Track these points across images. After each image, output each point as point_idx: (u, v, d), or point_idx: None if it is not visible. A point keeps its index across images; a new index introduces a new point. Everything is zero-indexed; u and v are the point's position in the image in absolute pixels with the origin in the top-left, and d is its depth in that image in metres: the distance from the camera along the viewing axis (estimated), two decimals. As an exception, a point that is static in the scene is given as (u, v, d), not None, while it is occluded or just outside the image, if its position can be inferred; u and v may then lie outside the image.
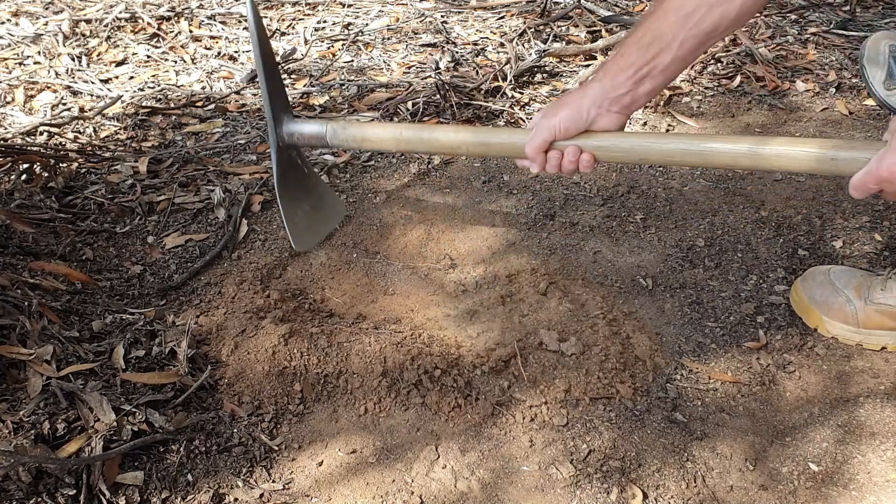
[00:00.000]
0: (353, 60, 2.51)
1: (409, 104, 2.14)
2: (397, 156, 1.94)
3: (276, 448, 1.17)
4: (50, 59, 2.45)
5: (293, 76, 2.40)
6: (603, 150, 1.18)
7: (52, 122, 2.05)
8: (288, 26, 2.78)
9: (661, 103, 2.16)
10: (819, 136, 2.03)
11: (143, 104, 2.19)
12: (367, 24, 2.77)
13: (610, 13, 2.72)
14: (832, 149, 1.06)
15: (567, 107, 1.16)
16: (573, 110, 1.16)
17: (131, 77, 2.39)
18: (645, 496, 1.09)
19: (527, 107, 2.18)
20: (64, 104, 2.19)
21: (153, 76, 2.40)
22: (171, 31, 2.69)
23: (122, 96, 2.22)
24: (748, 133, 2.06)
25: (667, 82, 1.16)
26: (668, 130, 2.07)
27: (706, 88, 2.28)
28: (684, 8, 1.08)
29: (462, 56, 2.47)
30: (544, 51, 2.46)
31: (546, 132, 1.17)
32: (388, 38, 2.66)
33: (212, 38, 2.67)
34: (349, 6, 2.94)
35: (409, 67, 2.44)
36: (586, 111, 1.16)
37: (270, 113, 1.39)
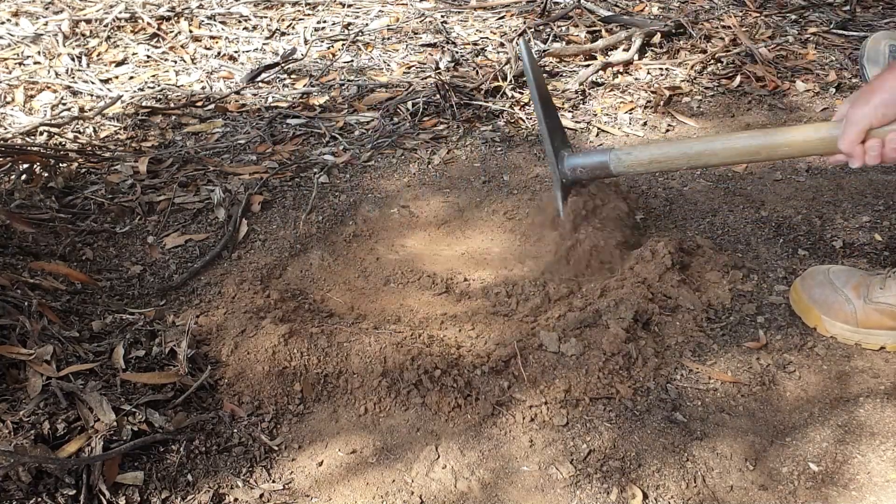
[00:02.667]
0: (353, 60, 2.51)
1: (409, 104, 2.14)
2: (397, 155, 1.94)
3: (276, 448, 1.17)
4: (50, 59, 2.45)
5: (293, 76, 2.40)
6: None
7: (52, 122, 2.05)
8: (288, 26, 2.78)
9: (661, 103, 2.16)
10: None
11: (143, 104, 2.19)
12: (367, 24, 2.77)
13: (610, 13, 2.72)
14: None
15: (880, 91, 1.09)
16: (889, 93, 1.09)
17: (131, 77, 2.39)
18: (645, 496, 1.09)
19: (527, 106, 2.17)
20: (64, 104, 2.19)
21: (153, 76, 2.40)
22: (171, 31, 2.69)
23: (122, 96, 2.22)
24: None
25: None
26: (667, 131, 2.08)
27: (706, 88, 2.28)
28: None
29: (462, 56, 2.47)
30: (544, 51, 2.47)
31: (862, 121, 1.10)
32: (388, 38, 2.66)
33: (212, 38, 2.67)
34: (349, 6, 2.94)
35: (409, 67, 2.44)
36: None
37: (551, 150, 1.39)
